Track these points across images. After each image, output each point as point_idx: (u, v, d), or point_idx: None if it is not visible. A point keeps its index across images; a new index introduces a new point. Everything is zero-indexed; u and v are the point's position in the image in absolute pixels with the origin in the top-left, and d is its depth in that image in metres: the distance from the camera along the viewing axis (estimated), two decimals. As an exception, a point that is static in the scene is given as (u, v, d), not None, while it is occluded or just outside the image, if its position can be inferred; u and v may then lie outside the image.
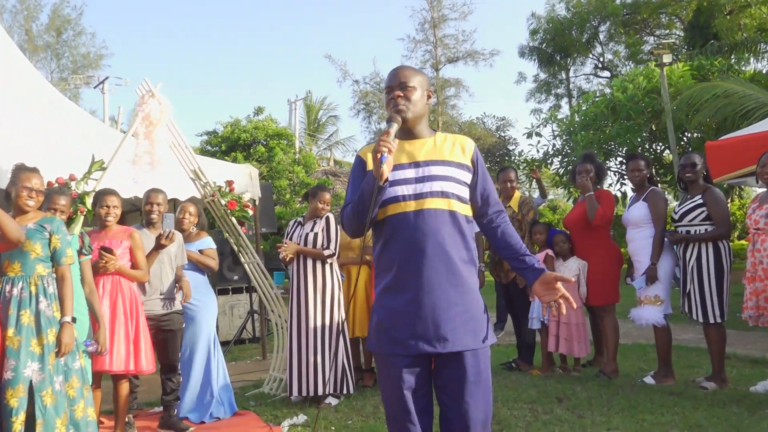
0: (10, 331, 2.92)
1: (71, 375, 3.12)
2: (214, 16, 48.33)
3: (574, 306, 2.20)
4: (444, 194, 2.14)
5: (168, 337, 4.15)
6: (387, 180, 2.07)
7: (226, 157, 16.44)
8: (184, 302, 4.25)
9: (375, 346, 2.22)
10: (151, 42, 47.41)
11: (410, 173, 2.17)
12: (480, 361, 2.14)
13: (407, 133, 2.23)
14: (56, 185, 4.25)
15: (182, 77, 48.12)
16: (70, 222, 4.15)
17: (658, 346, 4.73)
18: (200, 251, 4.61)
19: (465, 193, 2.21)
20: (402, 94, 2.19)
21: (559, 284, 2.15)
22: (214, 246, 4.73)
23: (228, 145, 18.63)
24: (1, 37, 7.23)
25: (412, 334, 2.10)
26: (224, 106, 49.81)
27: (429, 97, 2.28)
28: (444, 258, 2.11)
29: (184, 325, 4.38)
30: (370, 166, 2.20)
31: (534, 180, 7.04)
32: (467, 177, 2.22)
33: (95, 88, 22.96)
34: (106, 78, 21.96)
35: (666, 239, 4.69)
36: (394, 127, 2.12)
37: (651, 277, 4.64)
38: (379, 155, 2.03)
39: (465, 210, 2.20)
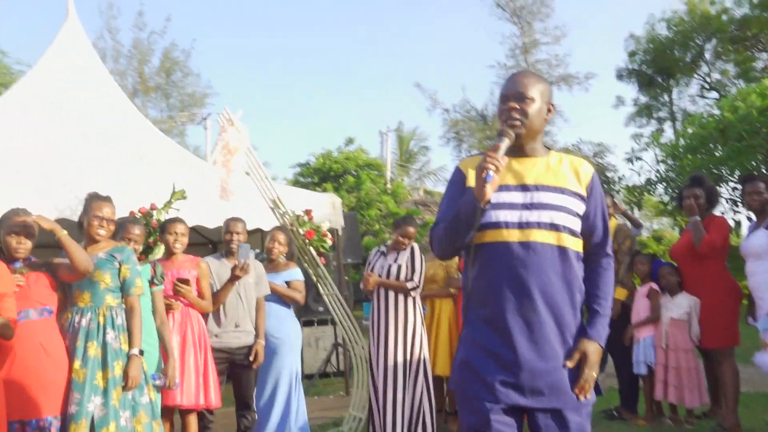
0: (77, 364, 2.87)
1: (139, 410, 3.03)
2: (307, 50, 50.34)
3: (584, 397, 1.86)
4: (554, 227, 1.86)
5: (242, 371, 4.01)
6: (489, 202, 1.80)
7: (317, 188, 16.66)
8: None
9: (458, 385, 1.94)
10: (247, 78, 49.98)
11: (516, 197, 1.90)
12: (582, 416, 1.85)
13: (518, 149, 1.94)
14: (138, 215, 4.29)
15: (277, 110, 50.25)
16: (150, 251, 4.16)
17: (789, 397, 4.11)
18: (287, 282, 4.45)
19: (578, 225, 1.92)
20: (518, 107, 1.91)
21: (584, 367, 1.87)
22: (302, 278, 4.55)
23: (320, 176, 18.97)
24: (108, 81, 7.78)
25: (503, 380, 1.82)
26: (316, 138, 51.38)
27: (549, 110, 1.97)
28: (548, 300, 1.83)
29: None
30: (470, 182, 1.92)
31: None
32: (581, 207, 1.93)
33: (198, 124, 24.18)
34: (209, 114, 23.04)
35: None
36: (505, 143, 1.85)
37: (778, 316, 4.05)
38: (484, 174, 1.77)
39: (577, 245, 1.92)
